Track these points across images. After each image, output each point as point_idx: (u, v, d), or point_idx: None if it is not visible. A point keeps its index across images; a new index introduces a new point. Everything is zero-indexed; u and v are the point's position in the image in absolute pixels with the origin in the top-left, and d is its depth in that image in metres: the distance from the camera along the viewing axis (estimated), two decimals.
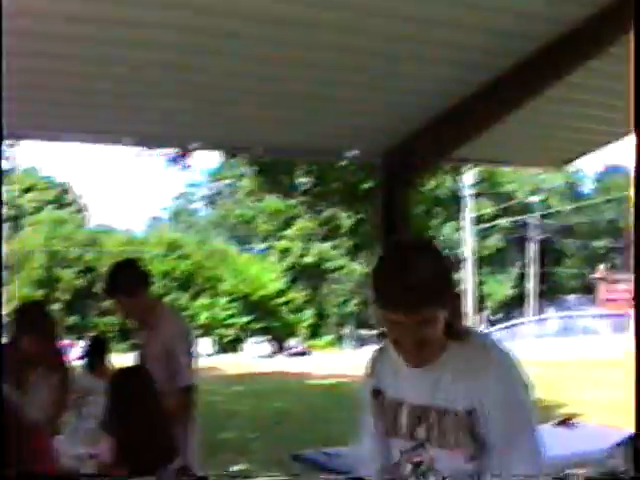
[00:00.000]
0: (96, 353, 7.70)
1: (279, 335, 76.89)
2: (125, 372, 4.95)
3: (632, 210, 3.45)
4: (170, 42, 5.31)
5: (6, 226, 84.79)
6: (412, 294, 2.59)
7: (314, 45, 5.53)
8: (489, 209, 73.71)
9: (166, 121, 6.90)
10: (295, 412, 20.88)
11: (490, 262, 77.46)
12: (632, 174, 3.57)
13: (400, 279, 2.61)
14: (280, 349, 72.44)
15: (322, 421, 17.30)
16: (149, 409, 4.60)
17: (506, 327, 57.50)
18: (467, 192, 62.95)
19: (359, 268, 77.12)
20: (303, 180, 17.15)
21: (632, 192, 3.52)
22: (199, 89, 6.15)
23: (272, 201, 73.37)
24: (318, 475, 4.43)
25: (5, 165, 22.04)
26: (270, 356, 66.28)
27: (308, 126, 7.27)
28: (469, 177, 57.95)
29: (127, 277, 5.83)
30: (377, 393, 3.08)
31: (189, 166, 19.57)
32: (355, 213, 17.57)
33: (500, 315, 77.11)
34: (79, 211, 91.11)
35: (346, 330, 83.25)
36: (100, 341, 8.28)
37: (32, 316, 6.15)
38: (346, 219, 20.12)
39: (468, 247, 65.46)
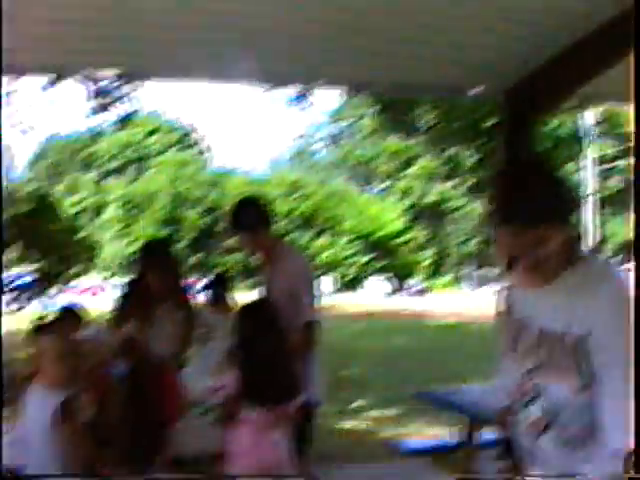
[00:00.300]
0: (219, 289, 7.81)
1: (399, 274, 76.94)
2: (251, 306, 5.06)
3: (632, 209, 3.36)
4: None
5: (132, 168, 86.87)
6: (524, 209, 2.57)
7: None
8: (610, 150, 71.72)
9: (293, 59, 6.94)
10: (415, 350, 21.00)
11: (611, 203, 75.61)
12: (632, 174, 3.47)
13: (513, 194, 2.61)
14: (400, 288, 72.55)
15: (442, 359, 17.36)
16: (274, 343, 4.71)
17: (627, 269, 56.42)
18: (589, 132, 61.35)
19: (480, 207, 76.34)
20: (427, 118, 17.00)
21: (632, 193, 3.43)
22: (326, 26, 6.15)
23: (393, 141, 73.08)
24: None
25: (129, 107, 22.43)
26: (390, 295, 66.51)
27: (434, 62, 7.20)
28: (591, 117, 56.41)
29: (249, 214, 5.92)
30: (508, 315, 3.06)
31: (311, 104, 19.53)
32: (476, 151, 17.33)
33: (620, 257, 75.50)
34: (202, 153, 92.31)
35: (466, 270, 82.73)
36: (223, 278, 8.39)
37: (157, 254, 6.33)
38: (467, 158, 19.82)
39: (590, 187, 63.99)
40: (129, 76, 12.59)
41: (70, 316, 5.79)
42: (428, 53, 6.96)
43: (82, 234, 13.44)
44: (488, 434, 6.40)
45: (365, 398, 12.73)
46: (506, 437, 3.13)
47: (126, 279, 7.07)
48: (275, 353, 4.66)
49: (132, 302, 5.55)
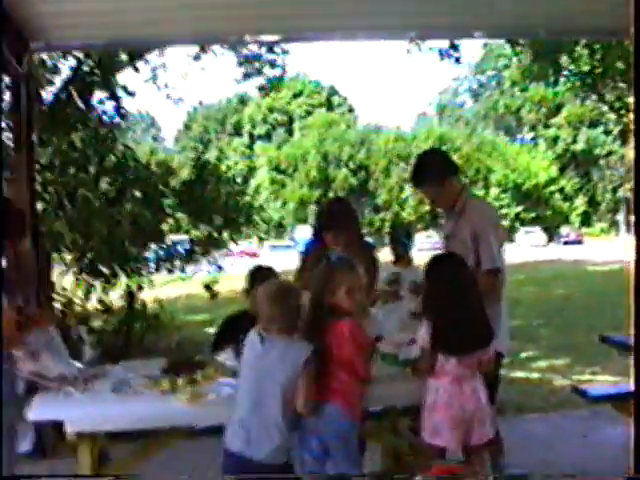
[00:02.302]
0: (400, 244, 7.77)
1: (551, 224, 75.72)
2: (441, 258, 5.12)
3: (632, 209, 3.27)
4: None
5: (281, 131, 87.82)
6: None
7: None
8: None
9: (449, 10, 6.95)
10: (578, 298, 20.77)
11: None
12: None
13: None
14: (551, 238, 71.43)
15: (607, 306, 17.09)
16: (468, 293, 4.75)
17: None
18: None
19: (631, 152, 74.09)
20: (578, 63, 16.63)
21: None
22: None
23: (538, 89, 71.56)
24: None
25: (275, 73, 22.58)
26: (544, 245, 65.52)
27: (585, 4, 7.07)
28: None
29: (436, 165, 5.95)
30: None
31: (457, 60, 19.25)
32: (621, 97, 16.87)
33: None
34: (348, 112, 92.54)
35: (619, 216, 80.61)
36: (405, 232, 8.34)
37: (335, 213, 6.41)
38: (615, 102, 19.30)
39: None
40: (280, 41, 12.74)
41: (269, 274, 5.87)
42: None
43: (241, 199, 13.69)
44: None
45: (532, 350, 12.70)
46: None
47: (306, 239, 7.24)
48: (469, 302, 4.70)
49: (314, 262, 5.62)
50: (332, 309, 4.54)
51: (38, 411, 4.69)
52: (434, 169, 5.89)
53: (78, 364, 5.28)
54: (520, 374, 10.59)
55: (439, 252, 5.45)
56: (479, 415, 4.73)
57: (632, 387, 7.35)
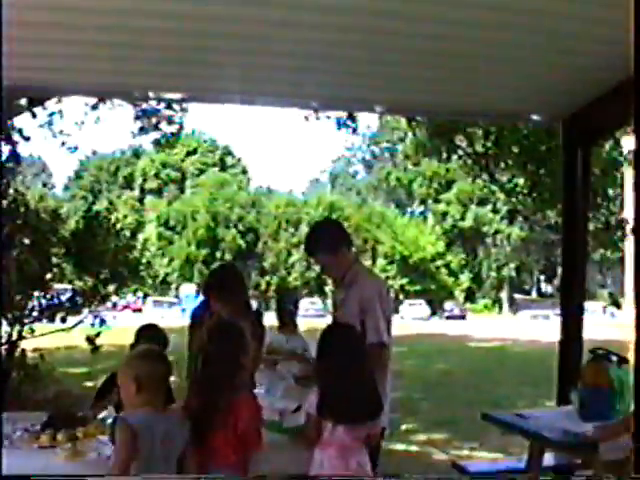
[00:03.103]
0: (286, 310, 7.74)
1: (435, 298, 76.84)
2: (337, 327, 5.09)
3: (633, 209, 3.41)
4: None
5: (172, 187, 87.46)
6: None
7: (503, 6, 5.48)
8: None
9: (349, 84, 7.05)
10: (459, 373, 20.98)
11: None
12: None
13: None
14: (435, 311, 72.46)
15: (487, 382, 17.33)
16: (361, 363, 4.73)
17: None
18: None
19: (517, 232, 76.12)
20: (475, 143, 17.05)
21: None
22: (375, 51, 6.24)
23: (430, 164, 73.18)
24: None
25: (172, 129, 22.66)
26: (427, 318, 66.31)
27: (496, 89, 7.27)
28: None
29: (331, 235, 5.99)
30: None
31: (355, 130, 19.63)
32: (527, 178, 17.37)
33: None
34: (242, 173, 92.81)
35: (503, 294, 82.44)
36: (291, 297, 8.30)
37: (225, 278, 6.39)
38: (507, 184, 19.86)
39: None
40: (180, 100, 12.81)
41: (158, 335, 5.78)
42: (491, 81, 7.04)
43: (130, 253, 13.60)
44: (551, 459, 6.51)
45: (411, 422, 12.71)
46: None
47: (189, 296, 7.18)
48: (362, 372, 4.67)
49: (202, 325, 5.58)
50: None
51: None
52: (328, 239, 5.92)
53: None
54: (399, 446, 10.57)
55: (333, 321, 5.44)
56: None
57: (509, 465, 7.46)
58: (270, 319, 7.58)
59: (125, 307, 41.67)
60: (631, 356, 4.31)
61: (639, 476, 3.96)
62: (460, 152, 19.02)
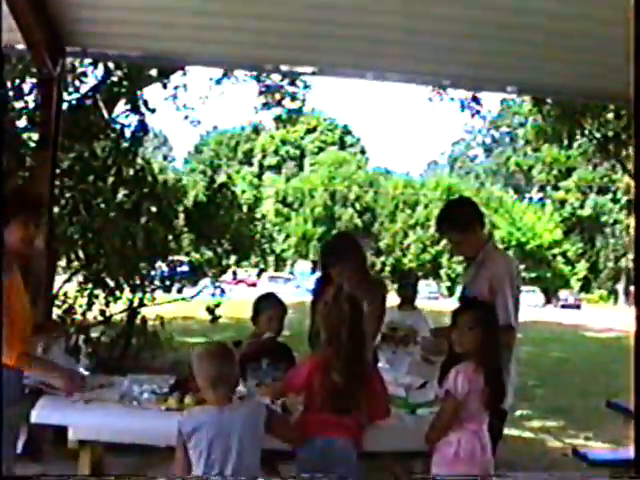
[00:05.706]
0: (408, 289, 7.73)
1: (550, 286, 75.66)
2: (472, 304, 5.05)
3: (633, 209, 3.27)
4: None
5: (291, 164, 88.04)
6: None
7: None
8: None
9: (481, 64, 6.98)
10: (574, 362, 20.68)
11: None
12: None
13: None
14: (549, 300, 71.35)
15: (603, 373, 17.00)
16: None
17: None
18: None
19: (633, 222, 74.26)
20: (602, 129, 16.69)
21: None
22: (516, 30, 6.17)
23: (551, 150, 71.88)
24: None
25: (294, 106, 22.72)
26: (541, 306, 65.35)
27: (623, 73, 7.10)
28: None
29: (465, 212, 5.93)
30: None
31: (479, 111, 19.41)
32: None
33: None
34: (360, 153, 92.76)
35: (619, 286, 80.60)
36: (413, 276, 8.29)
37: (346, 250, 6.34)
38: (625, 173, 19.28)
39: None
40: (310, 74, 12.88)
41: (277, 302, 5.84)
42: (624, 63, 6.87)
43: (253, 227, 13.73)
44: None
45: (526, 408, 12.57)
46: None
47: (304, 272, 7.20)
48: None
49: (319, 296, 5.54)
50: None
51: (42, 414, 4.63)
52: (461, 216, 5.86)
53: (84, 371, 5.22)
54: (514, 432, 10.48)
55: (466, 300, 5.41)
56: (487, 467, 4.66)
57: (631, 454, 7.32)
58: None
59: (240, 281, 41.96)
60: None
61: (639, 476, 3.86)
62: (585, 137, 18.63)
